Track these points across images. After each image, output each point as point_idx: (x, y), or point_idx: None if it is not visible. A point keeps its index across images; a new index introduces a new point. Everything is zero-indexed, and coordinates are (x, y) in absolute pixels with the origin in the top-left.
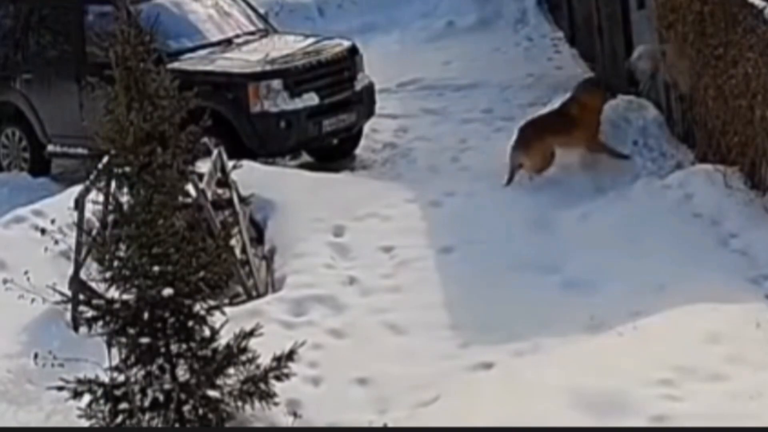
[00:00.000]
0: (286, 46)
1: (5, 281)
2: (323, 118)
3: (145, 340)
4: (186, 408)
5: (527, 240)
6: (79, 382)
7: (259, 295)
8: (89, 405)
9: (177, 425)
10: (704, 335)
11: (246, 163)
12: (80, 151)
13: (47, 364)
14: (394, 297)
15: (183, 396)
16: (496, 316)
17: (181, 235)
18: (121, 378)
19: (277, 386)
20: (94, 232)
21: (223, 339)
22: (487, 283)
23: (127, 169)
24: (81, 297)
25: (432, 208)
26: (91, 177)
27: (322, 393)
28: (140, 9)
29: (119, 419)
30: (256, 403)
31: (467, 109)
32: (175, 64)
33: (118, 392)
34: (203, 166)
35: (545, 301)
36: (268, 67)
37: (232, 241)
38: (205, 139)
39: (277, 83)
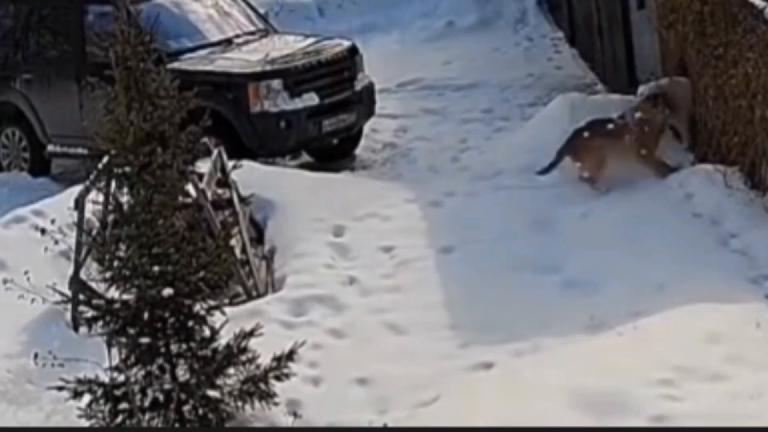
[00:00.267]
0: (286, 46)
1: (5, 281)
2: (323, 118)
3: (145, 340)
4: (186, 408)
5: (527, 240)
6: (79, 382)
7: (259, 295)
8: (89, 405)
9: (177, 425)
10: (704, 335)
11: (246, 163)
12: (80, 151)
13: (47, 364)
14: (394, 297)
15: (183, 396)
16: (496, 316)
17: (181, 235)
18: (121, 378)
19: (277, 386)
20: (94, 232)
21: (223, 339)
22: (487, 283)
23: (127, 169)
24: (81, 297)
25: (432, 208)
26: (91, 177)
27: (322, 393)
28: (140, 9)
29: (119, 419)
30: (256, 403)
31: (467, 109)
32: (175, 64)
33: (118, 392)
34: (203, 166)
35: (545, 301)
36: (268, 67)
37: (232, 241)
38: (205, 139)
39: (277, 83)
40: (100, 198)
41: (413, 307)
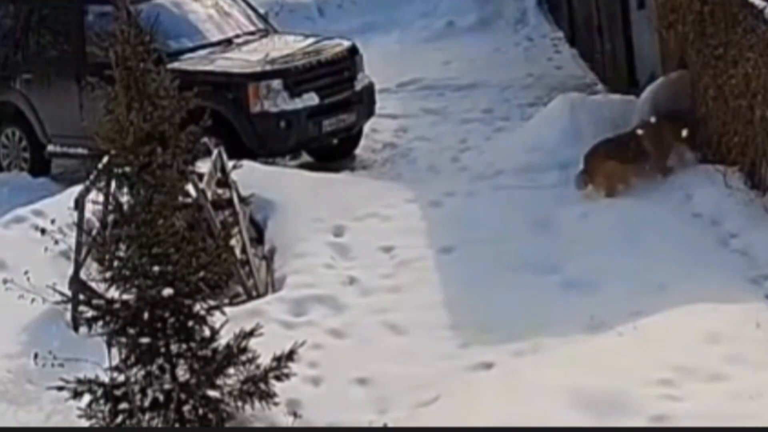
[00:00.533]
0: (286, 46)
1: (5, 281)
2: (323, 118)
3: (145, 340)
4: (186, 408)
5: (527, 240)
6: (79, 382)
7: (259, 295)
8: (89, 405)
9: (177, 425)
10: (704, 335)
11: (246, 163)
12: (80, 151)
13: (47, 364)
14: (394, 297)
15: (183, 396)
16: (496, 316)
17: (181, 235)
18: (121, 378)
19: (277, 386)
20: (94, 232)
21: (223, 339)
22: (487, 283)
23: (127, 169)
24: (81, 297)
25: (432, 208)
26: (91, 177)
27: (322, 393)
28: (140, 9)
29: (119, 419)
30: (256, 403)
31: (467, 109)
32: (175, 64)
33: (118, 392)
34: (203, 166)
35: (545, 301)
36: (268, 67)
37: (232, 241)
38: (205, 139)
39: (277, 83)
40: (100, 198)
41: (413, 307)
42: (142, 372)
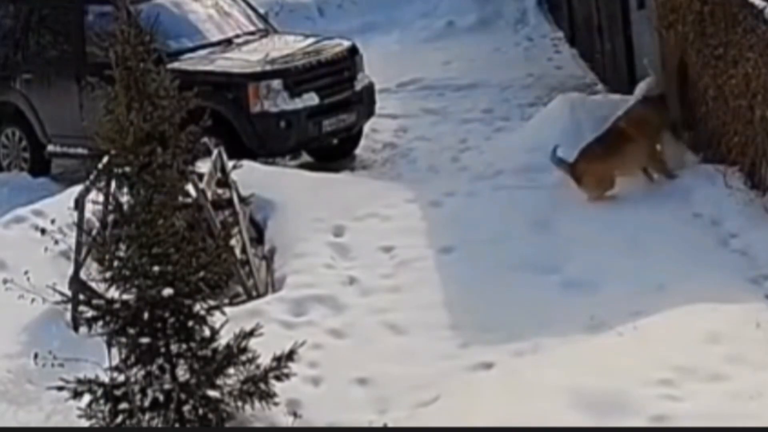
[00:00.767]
0: (286, 46)
1: (5, 281)
2: (323, 118)
3: (145, 340)
4: (186, 408)
5: (527, 240)
6: (79, 382)
7: (259, 295)
8: (89, 405)
9: (177, 425)
10: (704, 335)
11: (246, 163)
12: (80, 151)
13: (47, 364)
14: (394, 297)
15: (183, 396)
16: (496, 316)
17: (181, 235)
18: (121, 378)
19: (277, 386)
20: (94, 232)
21: (223, 339)
22: (487, 283)
23: (127, 169)
24: (81, 297)
25: (432, 208)
26: (91, 177)
27: (322, 393)
28: (140, 9)
29: (119, 419)
30: (256, 403)
31: (467, 109)
32: (175, 64)
33: (118, 392)
34: (203, 166)
35: (545, 301)
36: (268, 67)
37: (232, 241)
38: (205, 139)
39: (277, 83)
40: (100, 198)
41: (413, 307)
42: (142, 372)
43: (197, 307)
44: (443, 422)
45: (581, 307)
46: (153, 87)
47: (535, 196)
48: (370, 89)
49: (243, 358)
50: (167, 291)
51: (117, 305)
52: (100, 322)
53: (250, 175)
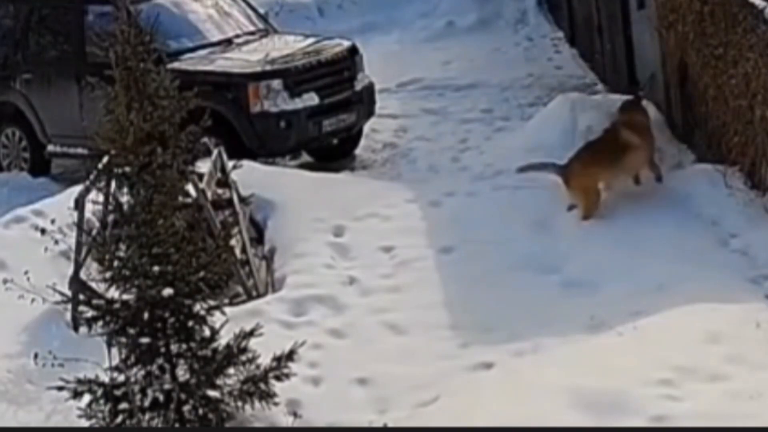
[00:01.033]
0: (286, 46)
1: (5, 281)
2: (323, 118)
3: (145, 340)
4: (186, 408)
5: (527, 240)
6: (79, 382)
7: (259, 295)
8: (89, 405)
9: (177, 425)
10: (704, 335)
11: (246, 163)
12: (80, 151)
13: (47, 364)
14: (394, 297)
15: (183, 396)
16: (496, 316)
17: (181, 235)
18: (121, 378)
19: (277, 386)
20: (94, 232)
21: (223, 339)
22: (487, 283)
23: (127, 169)
24: (81, 297)
25: (432, 208)
26: (91, 177)
27: (322, 393)
28: (140, 9)
29: (119, 419)
30: (256, 403)
31: (467, 109)
32: (175, 64)
33: (118, 392)
34: (203, 166)
35: (545, 301)
36: (268, 67)
37: (232, 241)
38: (205, 139)
39: (277, 83)
40: (100, 198)
41: (413, 307)
42: (142, 372)
43: (197, 307)
44: (443, 422)
45: (581, 307)
46: (153, 87)
47: (535, 196)
48: (370, 89)
49: (243, 358)
50: (167, 291)
51: (117, 305)
52: (100, 322)
53: (250, 175)
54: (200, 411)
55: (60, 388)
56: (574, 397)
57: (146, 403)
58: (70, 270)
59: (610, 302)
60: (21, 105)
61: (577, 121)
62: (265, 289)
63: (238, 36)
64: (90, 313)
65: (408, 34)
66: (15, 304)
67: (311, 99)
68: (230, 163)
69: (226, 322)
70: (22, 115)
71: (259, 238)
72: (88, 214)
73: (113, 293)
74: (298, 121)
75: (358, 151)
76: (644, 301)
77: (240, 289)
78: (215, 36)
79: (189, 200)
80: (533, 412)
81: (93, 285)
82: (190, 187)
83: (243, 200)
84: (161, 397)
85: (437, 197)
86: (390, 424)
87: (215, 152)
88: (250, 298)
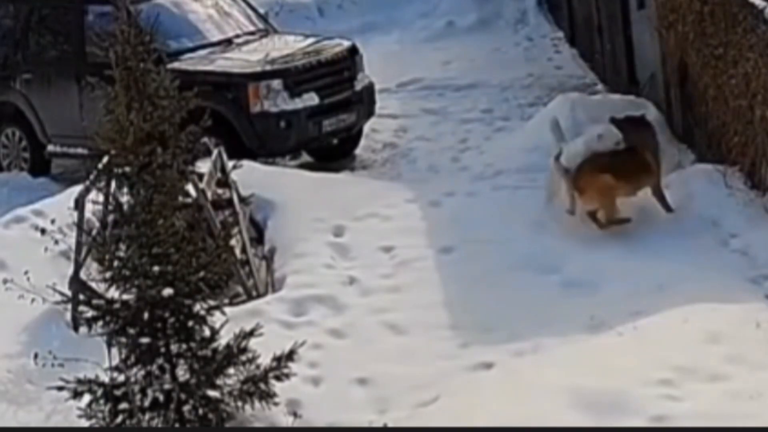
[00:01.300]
0: (286, 46)
1: (5, 281)
2: (323, 118)
3: (145, 340)
4: (186, 408)
5: (527, 240)
6: (79, 382)
7: (259, 295)
8: (89, 405)
9: (177, 425)
10: (704, 335)
11: (246, 163)
12: (80, 151)
13: (47, 364)
14: (394, 297)
15: (183, 396)
16: (496, 316)
17: (181, 235)
18: (121, 378)
19: (277, 386)
20: (94, 232)
21: (223, 339)
22: (487, 283)
23: (127, 169)
24: (81, 297)
25: (432, 208)
26: (91, 177)
27: (322, 393)
28: (140, 9)
29: (119, 419)
30: (256, 403)
31: (467, 109)
32: (175, 64)
33: (118, 392)
34: (203, 166)
35: (545, 301)
36: (268, 67)
37: (232, 241)
38: (205, 139)
39: (277, 83)
40: (100, 198)
41: (413, 307)
42: (142, 372)
43: (197, 307)
44: (443, 422)
45: (581, 307)
46: (153, 87)
47: (535, 196)
48: (370, 89)
49: (243, 358)
50: (167, 291)
51: (117, 305)
52: (100, 322)
53: (250, 175)
54: (200, 411)
55: (60, 388)
56: (574, 397)
57: (146, 403)
58: (70, 270)
59: (610, 302)
60: (21, 105)
61: (577, 122)
62: (265, 289)
63: (238, 36)
64: (90, 313)
65: (408, 34)
66: (15, 304)
67: (311, 99)
68: (230, 163)
69: (226, 322)
70: (22, 115)
71: (259, 238)
72: (88, 214)
73: (113, 293)
74: (298, 121)
75: (358, 151)
76: (644, 301)
77: (240, 289)
78: (215, 36)
79: (189, 200)
80: (533, 412)
81: (93, 285)
82: (190, 187)
83: (243, 200)
84: (161, 397)
85: (437, 197)
86: (390, 424)
87: (215, 152)
88: (250, 298)
